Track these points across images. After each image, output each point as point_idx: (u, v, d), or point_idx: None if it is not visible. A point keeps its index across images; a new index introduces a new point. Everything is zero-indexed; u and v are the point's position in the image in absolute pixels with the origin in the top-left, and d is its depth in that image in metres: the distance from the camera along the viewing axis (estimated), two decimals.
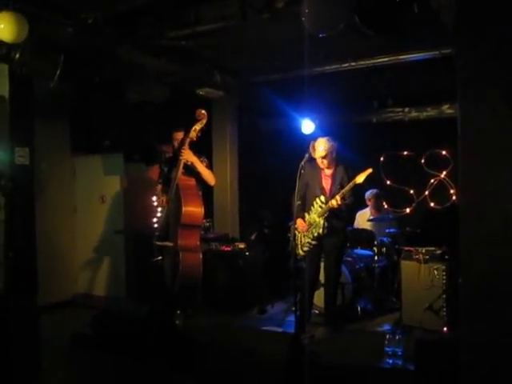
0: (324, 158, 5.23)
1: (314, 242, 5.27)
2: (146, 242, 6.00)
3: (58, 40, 4.57)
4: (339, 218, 5.29)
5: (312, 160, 5.28)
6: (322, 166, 5.29)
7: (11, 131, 4.62)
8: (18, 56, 4.28)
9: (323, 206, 5.19)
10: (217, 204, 7.50)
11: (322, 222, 5.18)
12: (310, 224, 5.27)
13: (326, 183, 5.33)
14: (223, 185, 7.41)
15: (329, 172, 5.35)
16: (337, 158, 5.34)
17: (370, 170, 5.01)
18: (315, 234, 5.23)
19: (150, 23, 4.87)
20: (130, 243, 7.39)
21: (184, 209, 5.24)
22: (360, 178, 4.99)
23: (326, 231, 5.19)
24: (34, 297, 4.80)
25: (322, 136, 5.34)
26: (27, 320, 4.66)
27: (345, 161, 5.39)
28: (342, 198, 5.05)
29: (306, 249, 5.31)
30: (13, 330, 4.54)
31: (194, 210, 5.33)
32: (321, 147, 5.22)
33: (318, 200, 5.25)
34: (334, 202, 5.04)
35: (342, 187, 5.13)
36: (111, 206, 7.71)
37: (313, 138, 5.48)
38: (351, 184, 5.04)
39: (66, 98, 7.12)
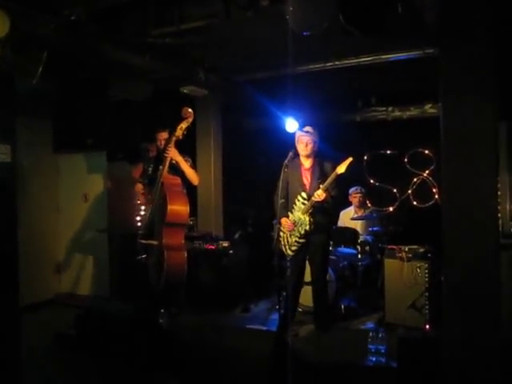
0: (307, 144, 5.20)
1: (301, 240, 5.18)
2: (130, 241, 5.96)
3: (41, 36, 4.51)
4: (324, 213, 5.21)
5: (295, 158, 5.24)
6: (303, 152, 5.22)
7: None
8: None
9: (306, 202, 5.12)
10: (201, 202, 7.48)
11: (307, 218, 5.11)
12: (295, 222, 5.21)
13: (306, 178, 5.25)
14: (207, 183, 7.39)
15: (308, 166, 5.27)
16: (316, 151, 5.28)
17: (350, 159, 4.92)
18: (302, 232, 5.14)
19: (134, 20, 4.85)
20: (114, 242, 7.34)
21: (169, 207, 5.21)
22: (341, 168, 4.91)
23: (312, 227, 5.11)
24: (16, 296, 4.74)
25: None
26: (8, 320, 4.60)
27: (327, 158, 5.31)
28: (326, 191, 4.97)
29: (294, 248, 5.23)
30: None
31: (179, 208, 5.30)
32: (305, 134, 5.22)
33: (299, 197, 5.18)
34: (316, 196, 4.96)
35: (324, 180, 5.03)
36: (95, 204, 7.66)
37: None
38: (333, 175, 4.95)
39: (48, 96, 7.03)
